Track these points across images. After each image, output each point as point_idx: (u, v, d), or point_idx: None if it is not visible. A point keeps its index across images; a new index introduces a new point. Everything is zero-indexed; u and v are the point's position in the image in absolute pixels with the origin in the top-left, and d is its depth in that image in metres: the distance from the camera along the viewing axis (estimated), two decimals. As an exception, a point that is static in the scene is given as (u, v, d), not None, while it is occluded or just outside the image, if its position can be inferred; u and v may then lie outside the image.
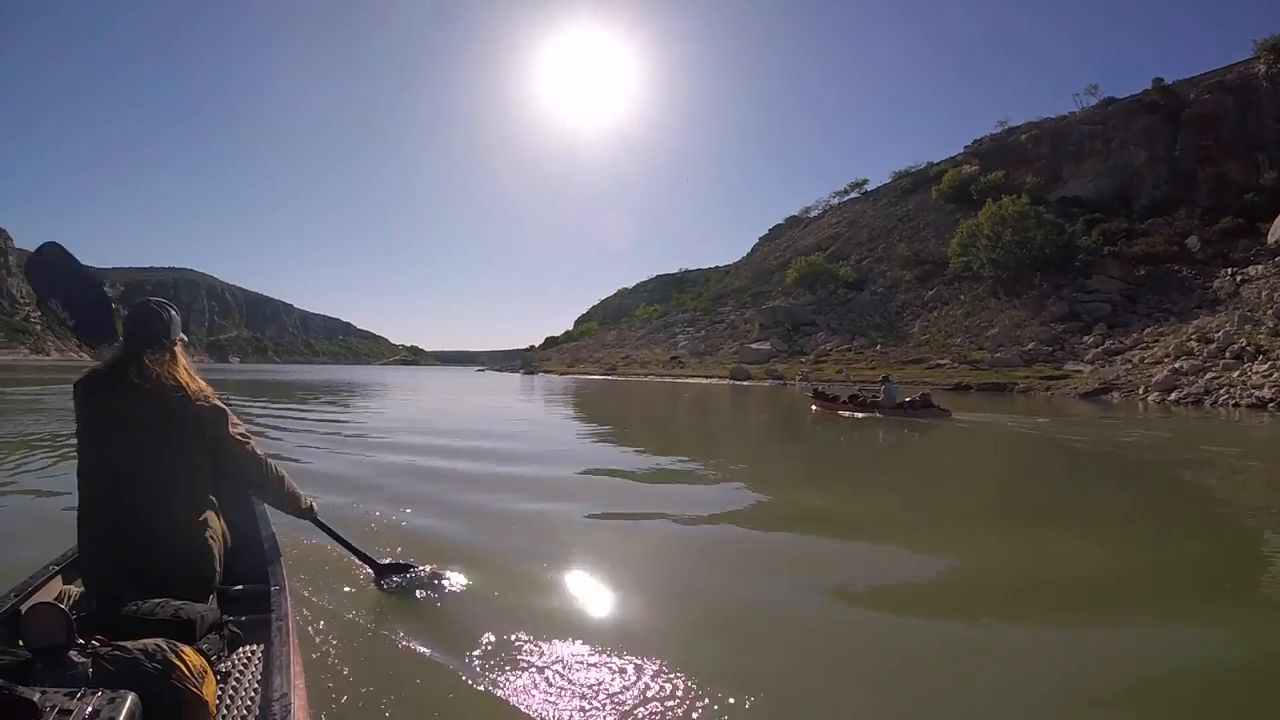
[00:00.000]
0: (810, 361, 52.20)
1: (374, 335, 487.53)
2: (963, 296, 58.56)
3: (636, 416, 22.55)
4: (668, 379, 57.80)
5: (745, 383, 48.39)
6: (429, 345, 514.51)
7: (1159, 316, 45.35)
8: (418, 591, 3.94)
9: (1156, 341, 39.86)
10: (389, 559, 4.24)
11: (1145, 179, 65.87)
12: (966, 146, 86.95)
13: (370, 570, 3.99)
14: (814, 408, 21.70)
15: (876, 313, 62.99)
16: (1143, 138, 67.36)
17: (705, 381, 51.86)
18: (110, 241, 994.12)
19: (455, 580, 4.08)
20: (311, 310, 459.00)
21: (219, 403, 2.64)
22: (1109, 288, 50.61)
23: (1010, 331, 48.65)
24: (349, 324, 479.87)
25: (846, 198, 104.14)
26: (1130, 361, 36.58)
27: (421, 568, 4.16)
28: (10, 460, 9.39)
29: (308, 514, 3.29)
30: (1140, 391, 30.35)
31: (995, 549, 5.99)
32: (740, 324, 73.09)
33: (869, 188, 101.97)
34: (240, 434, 2.69)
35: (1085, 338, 45.02)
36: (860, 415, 19.51)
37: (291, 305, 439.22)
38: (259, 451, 2.80)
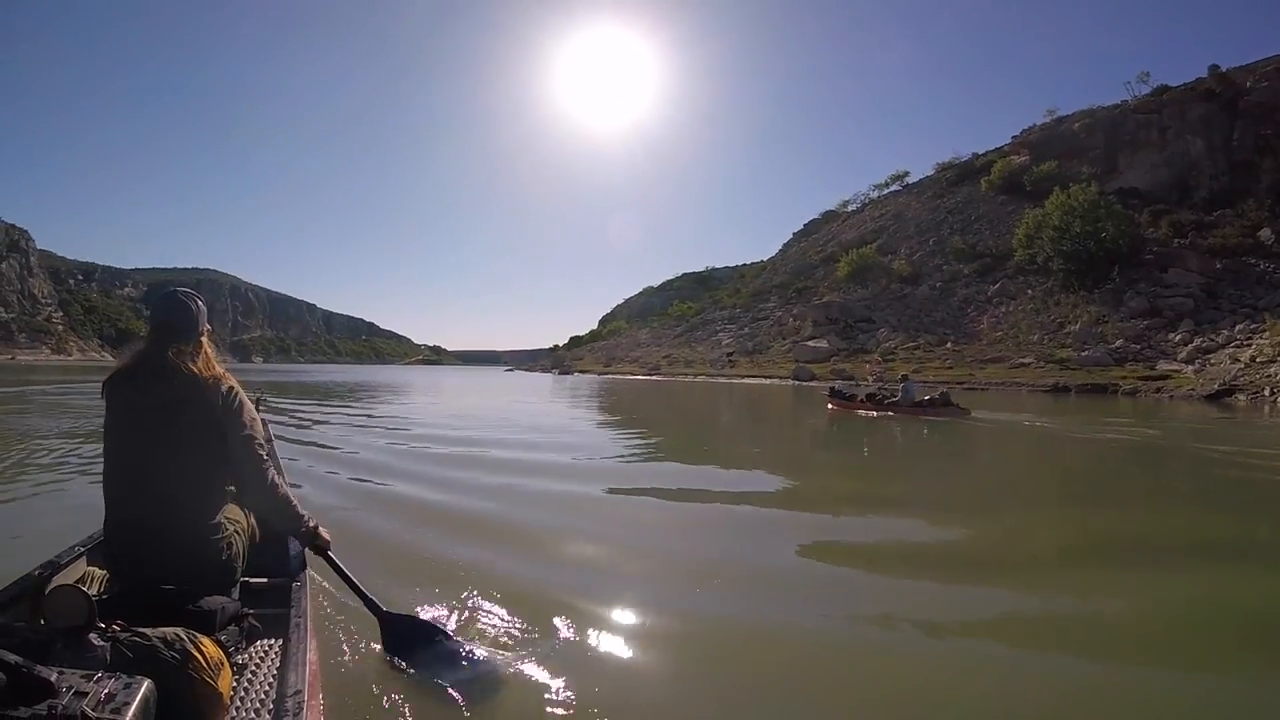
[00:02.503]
0: (878, 360, 50.35)
1: (397, 335, 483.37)
2: (1030, 291, 56.68)
3: (752, 431, 18.84)
4: (720, 379, 56.28)
5: (810, 383, 46.66)
6: (451, 345, 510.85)
7: (1244, 312, 43.69)
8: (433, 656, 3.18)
9: (1250, 339, 38.26)
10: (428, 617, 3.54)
11: (1203, 169, 63.96)
12: (1015, 136, 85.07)
13: (379, 625, 3.27)
14: (830, 406, 21.59)
15: (939, 309, 61.25)
16: (1199, 127, 65.41)
17: (765, 382, 50.32)
18: (132, 241, 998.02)
19: (486, 651, 3.37)
20: (335, 310, 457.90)
21: (238, 392, 2.60)
22: (1187, 282, 48.70)
23: (1091, 328, 46.79)
24: (372, 324, 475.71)
25: (887, 191, 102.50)
26: (1239, 361, 34.66)
27: (441, 634, 3.31)
28: (55, 447, 9.99)
29: (310, 540, 2.90)
30: (1266, 393, 28.59)
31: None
32: (788, 320, 71.30)
33: (909, 180, 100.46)
34: (251, 428, 2.59)
35: (1171, 334, 43.36)
36: (877, 414, 19.40)
37: (315, 305, 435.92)
38: (264, 456, 2.64)
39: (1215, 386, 30.71)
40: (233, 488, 2.67)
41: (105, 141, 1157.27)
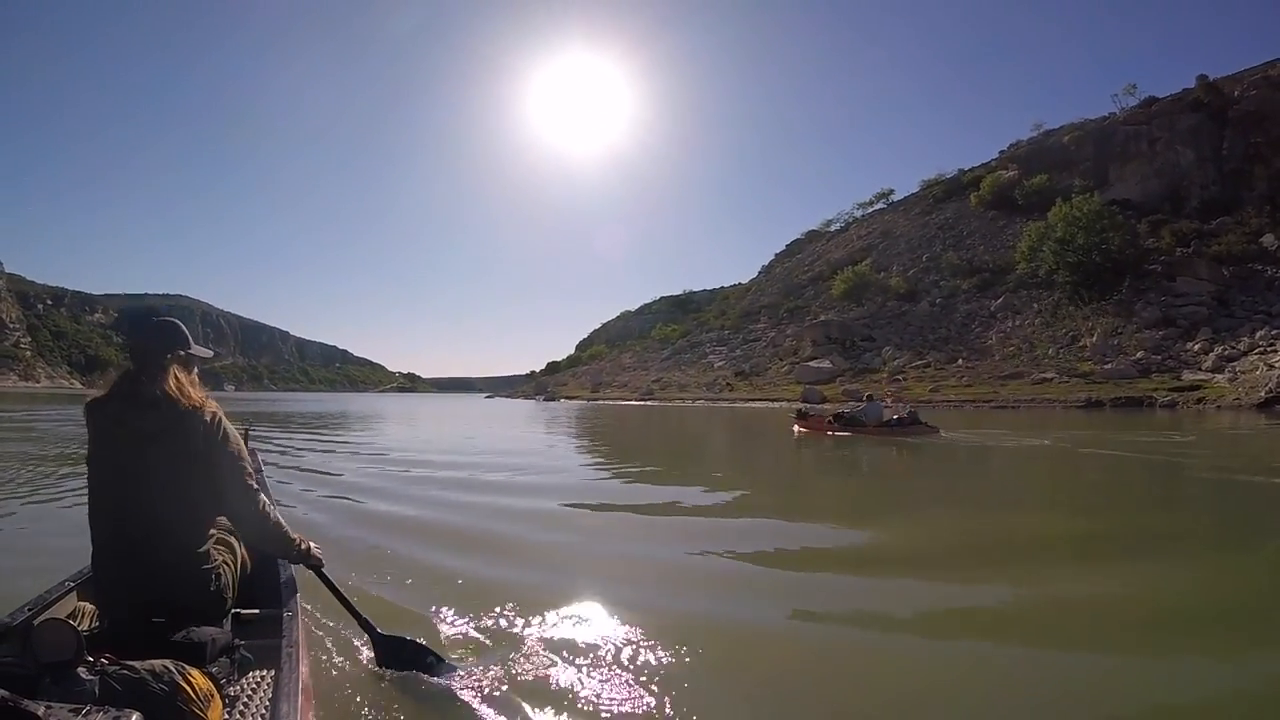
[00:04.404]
0: (887, 380, 48.85)
1: (370, 362, 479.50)
2: (1036, 305, 55.49)
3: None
4: (721, 404, 54.11)
5: (821, 406, 44.91)
6: (425, 372, 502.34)
7: (1259, 319, 43.02)
8: (424, 677, 3.22)
9: (1275, 344, 37.49)
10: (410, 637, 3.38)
11: (1194, 179, 63.72)
12: (1002, 151, 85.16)
13: (371, 643, 3.34)
14: (797, 428, 21.13)
15: (941, 325, 59.83)
16: (1189, 137, 65.45)
17: (772, 405, 48.33)
18: (103, 267, 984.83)
19: (472, 664, 3.44)
20: (308, 337, 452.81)
21: (222, 418, 2.53)
22: (1198, 290, 47.80)
23: (1108, 340, 45.45)
24: (345, 351, 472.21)
25: (871, 209, 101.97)
26: (1275, 367, 33.47)
27: (433, 656, 3.32)
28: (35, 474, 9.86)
29: (303, 559, 2.88)
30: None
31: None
32: (783, 341, 69.76)
33: (894, 198, 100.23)
34: (238, 455, 2.56)
35: (1190, 344, 42.36)
36: (845, 434, 19.02)
37: (287, 332, 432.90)
38: (254, 484, 2.61)
39: (1263, 394, 29.26)
40: (223, 517, 2.63)
41: (76, 165, 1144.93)
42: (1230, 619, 4.24)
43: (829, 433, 19.63)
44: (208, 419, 2.45)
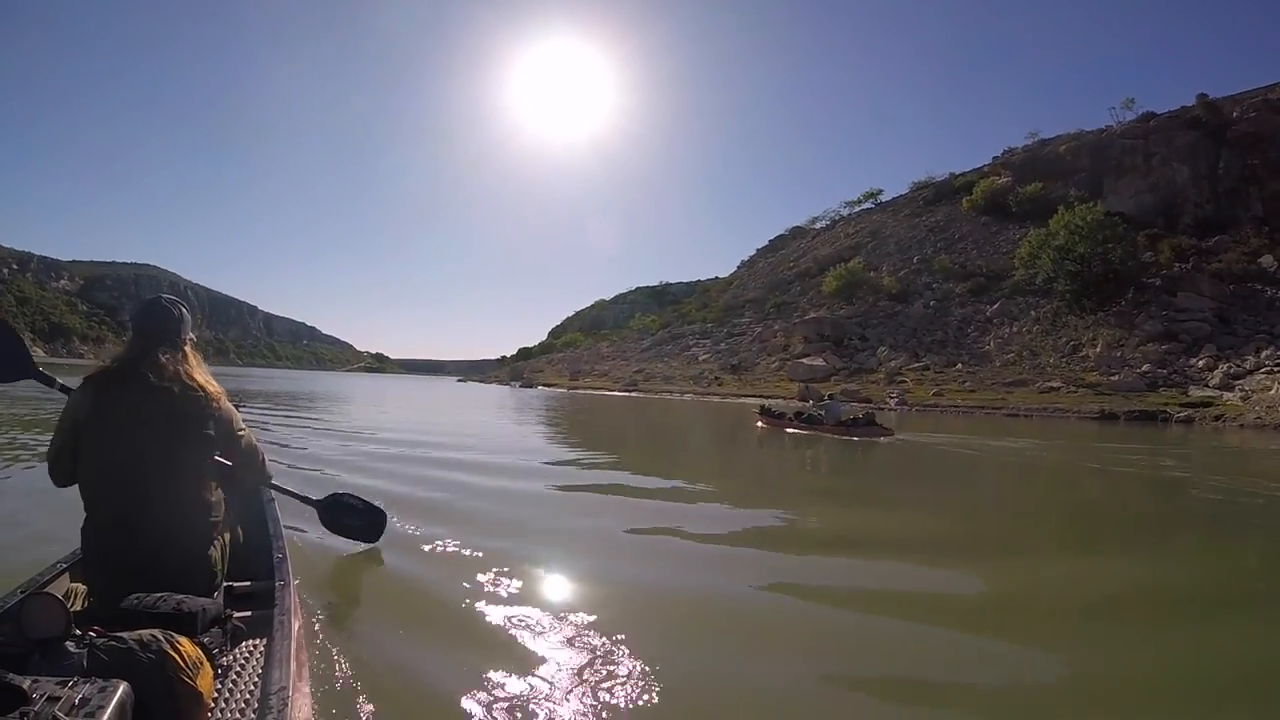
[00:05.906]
0: (885, 381, 47.80)
1: (339, 340, 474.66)
2: (1034, 312, 54.61)
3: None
4: (712, 398, 52.65)
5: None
6: (394, 353, 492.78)
7: (1261, 338, 42.45)
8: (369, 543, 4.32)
9: (1281, 365, 36.83)
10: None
11: (1189, 196, 63.34)
12: (996, 157, 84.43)
13: (314, 510, 4.16)
14: (759, 424, 22.15)
15: (936, 327, 58.73)
16: (1186, 154, 65.02)
17: (768, 403, 47.18)
18: (68, 232, 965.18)
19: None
20: (276, 313, 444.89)
21: (229, 404, 2.68)
22: (1200, 306, 47.21)
23: (1111, 352, 44.67)
24: (314, 328, 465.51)
25: (859, 208, 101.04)
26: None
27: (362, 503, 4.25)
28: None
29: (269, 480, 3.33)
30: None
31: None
32: (770, 337, 68.44)
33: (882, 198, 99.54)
34: (243, 430, 2.76)
35: (1193, 359, 41.76)
36: (804, 432, 19.63)
37: (256, 307, 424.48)
38: (255, 442, 2.89)
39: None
40: (212, 497, 2.61)
41: (47, 132, 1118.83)
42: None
43: (789, 430, 20.31)
44: (217, 402, 2.56)
